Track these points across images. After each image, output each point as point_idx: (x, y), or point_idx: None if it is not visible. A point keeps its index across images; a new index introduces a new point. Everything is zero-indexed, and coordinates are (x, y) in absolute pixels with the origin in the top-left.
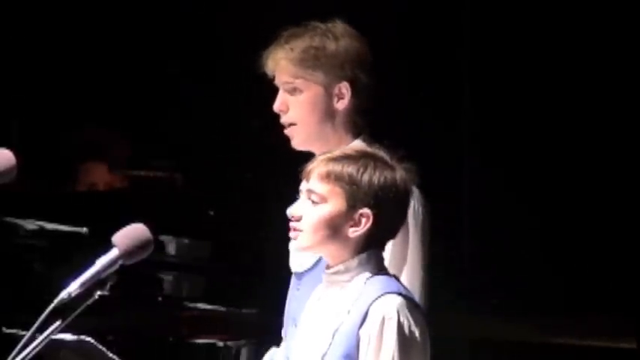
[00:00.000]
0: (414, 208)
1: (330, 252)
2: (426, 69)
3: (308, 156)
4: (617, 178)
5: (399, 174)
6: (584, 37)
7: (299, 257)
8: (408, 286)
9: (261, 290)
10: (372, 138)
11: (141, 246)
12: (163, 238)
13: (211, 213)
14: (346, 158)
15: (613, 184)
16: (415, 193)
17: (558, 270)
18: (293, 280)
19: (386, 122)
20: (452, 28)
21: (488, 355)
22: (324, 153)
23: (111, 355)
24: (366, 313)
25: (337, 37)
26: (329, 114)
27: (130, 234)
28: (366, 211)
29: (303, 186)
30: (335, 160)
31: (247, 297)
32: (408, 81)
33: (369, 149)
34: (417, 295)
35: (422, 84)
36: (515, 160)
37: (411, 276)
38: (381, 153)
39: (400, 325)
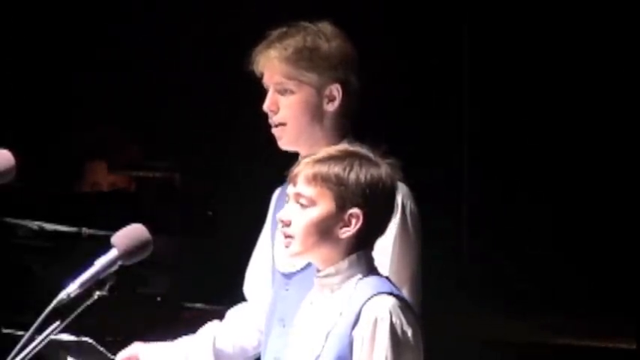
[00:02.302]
0: (402, 204)
1: (321, 256)
2: (425, 69)
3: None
4: (617, 179)
5: (384, 170)
6: (585, 40)
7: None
8: (400, 284)
9: None
10: (356, 139)
11: (140, 246)
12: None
13: (210, 213)
14: (331, 159)
15: (613, 185)
16: (402, 188)
17: (558, 270)
18: (280, 279)
19: (386, 123)
20: (452, 28)
21: (488, 355)
22: (308, 155)
23: (110, 355)
24: (359, 314)
25: (329, 38)
26: (319, 115)
27: (129, 234)
28: (355, 210)
29: (290, 190)
30: (320, 161)
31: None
32: (408, 81)
33: (351, 148)
34: (408, 292)
35: (422, 84)
36: (514, 161)
37: (402, 274)
38: (364, 150)
39: (393, 326)
